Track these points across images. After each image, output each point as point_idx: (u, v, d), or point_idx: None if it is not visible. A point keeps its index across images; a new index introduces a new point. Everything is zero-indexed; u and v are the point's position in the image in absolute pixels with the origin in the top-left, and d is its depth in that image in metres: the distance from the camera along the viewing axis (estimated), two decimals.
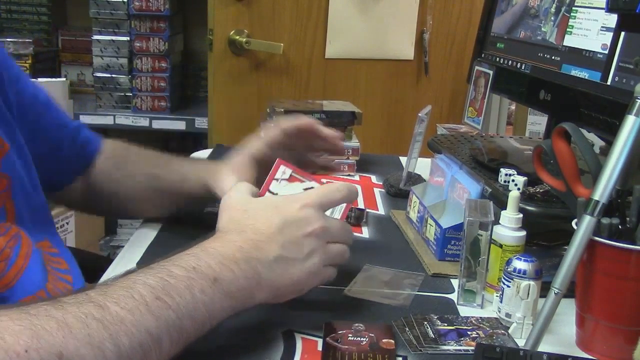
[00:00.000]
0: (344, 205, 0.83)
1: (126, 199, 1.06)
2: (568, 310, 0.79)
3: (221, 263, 0.69)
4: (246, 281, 0.70)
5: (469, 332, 0.78)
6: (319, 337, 0.75)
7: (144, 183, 1.05)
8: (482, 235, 0.84)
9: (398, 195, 1.28)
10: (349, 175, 1.40)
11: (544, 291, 0.76)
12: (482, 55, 1.29)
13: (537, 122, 2.05)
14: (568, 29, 1.03)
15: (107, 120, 2.37)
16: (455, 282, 0.90)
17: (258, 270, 0.71)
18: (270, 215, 0.76)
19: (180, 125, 2.37)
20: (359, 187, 1.33)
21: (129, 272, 0.66)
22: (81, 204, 1.12)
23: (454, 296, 0.88)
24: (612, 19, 0.93)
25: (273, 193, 0.85)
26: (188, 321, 0.64)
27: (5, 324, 0.54)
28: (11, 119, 0.93)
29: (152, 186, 1.04)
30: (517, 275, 0.79)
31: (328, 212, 0.81)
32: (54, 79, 2.19)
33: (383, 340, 0.74)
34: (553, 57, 1.06)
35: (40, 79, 1.98)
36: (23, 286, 0.85)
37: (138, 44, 2.33)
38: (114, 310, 0.59)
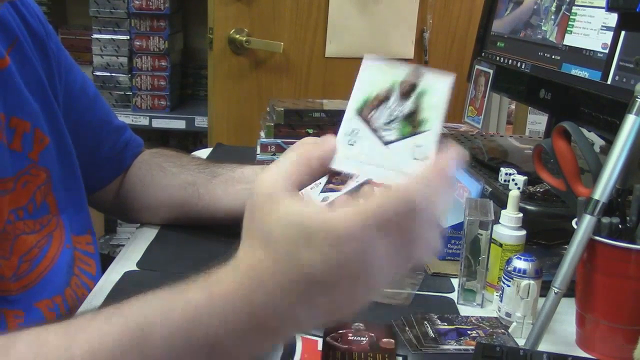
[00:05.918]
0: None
1: (154, 210, 1.03)
2: (568, 310, 0.79)
3: (226, 323, 0.49)
4: (254, 337, 0.50)
5: (469, 332, 0.78)
6: (319, 336, 0.75)
7: (176, 201, 1.00)
8: (482, 235, 0.84)
9: None
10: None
11: (544, 290, 0.76)
12: (482, 54, 1.28)
13: (537, 121, 2.05)
14: (568, 28, 1.03)
15: None
16: (455, 282, 0.90)
17: (273, 327, 0.51)
18: (294, 255, 0.48)
19: (180, 124, 2.36)
20: None
21: (109, 312, 0.50)
22: (109, 207, 1.08)
23: (454, 295, 0.88)
24: (612, 18, 0.93)
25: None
26: None
27: None
28: (57, 110, 0.90)
29: (182, 205, 1.00)
30: (517, 275, 0.79)
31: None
32: None
33: (383, 340, 0.74)
34: (553, 56, 1.06)
35: None
36: (41, 289, 0.83)
37: (138, 43, 2.33)
38: None
